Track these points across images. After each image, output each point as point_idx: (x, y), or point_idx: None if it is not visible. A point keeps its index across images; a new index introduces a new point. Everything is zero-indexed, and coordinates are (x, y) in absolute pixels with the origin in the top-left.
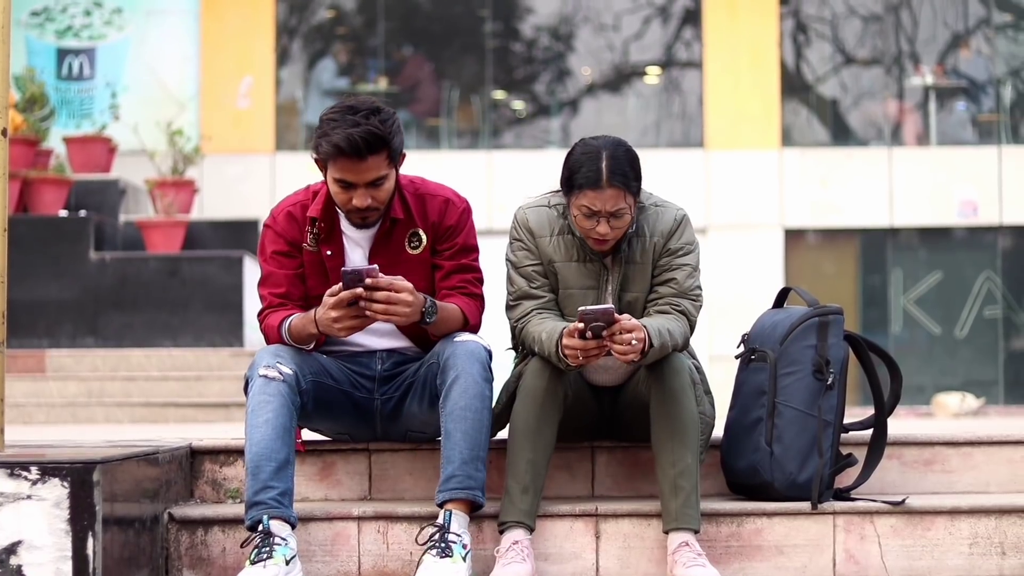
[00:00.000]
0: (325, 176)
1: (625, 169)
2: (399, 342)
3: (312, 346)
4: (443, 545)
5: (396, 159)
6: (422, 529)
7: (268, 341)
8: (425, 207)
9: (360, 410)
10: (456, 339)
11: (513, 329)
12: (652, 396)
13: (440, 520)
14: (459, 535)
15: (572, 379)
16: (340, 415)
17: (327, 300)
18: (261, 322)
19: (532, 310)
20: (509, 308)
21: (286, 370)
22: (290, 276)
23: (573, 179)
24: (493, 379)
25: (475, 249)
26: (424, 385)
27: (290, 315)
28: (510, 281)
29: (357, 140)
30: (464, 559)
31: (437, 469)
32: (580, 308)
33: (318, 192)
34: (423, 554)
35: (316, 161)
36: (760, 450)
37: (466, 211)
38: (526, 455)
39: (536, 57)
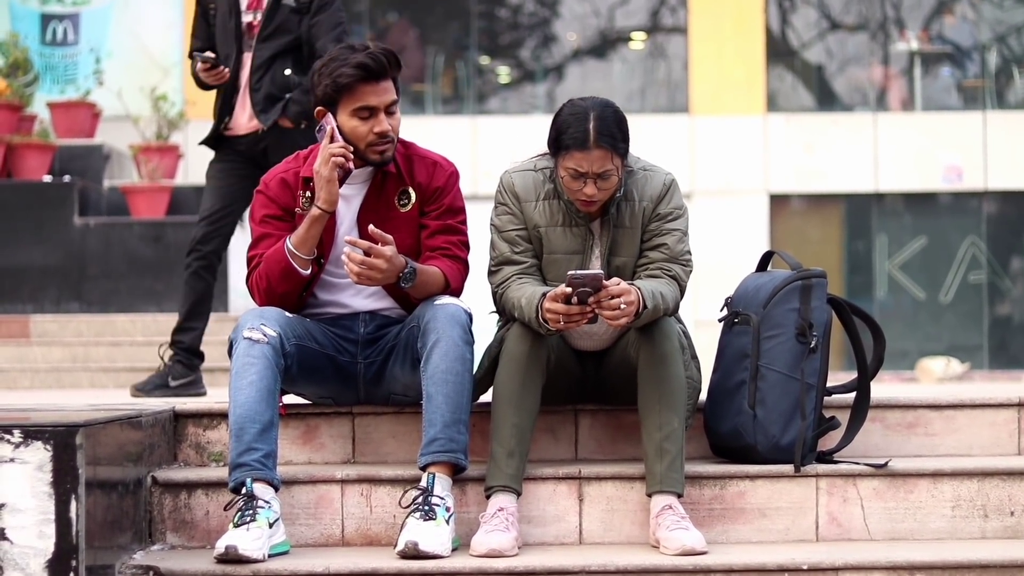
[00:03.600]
0: (336, 118)
1: (612, 130)
2: (382, 303)
3: (295, 285)
4: (426, 508)
5: (399, 88)
6: (405, 492)
7: (258, 294)
8: (413, 168)
9: (343, 374)
10: (436, 302)
11: (494, 294)
12: (640, 360)
13: (423, 483)
14: (442, 498)
15: (555, 344)
16: (324, 379)
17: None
18: (249, 282)
19: (512, 275)
20: (491, 273)
21: (270, 332)
22: (281, 239)
23: (560, 140)
24: (474, 342)
25: (462, 211)
26: (406, 348)
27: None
28: (493, 246)
29: (379, 56)
30: (447, 522)
31: (420, 432)
32: (569, 272)
33: (308, 157)
34: (406, 517)
35: (319, 110)
36: (743, 413)
37: (453, 175)
38: (510, 419)
39: (521, 23)
